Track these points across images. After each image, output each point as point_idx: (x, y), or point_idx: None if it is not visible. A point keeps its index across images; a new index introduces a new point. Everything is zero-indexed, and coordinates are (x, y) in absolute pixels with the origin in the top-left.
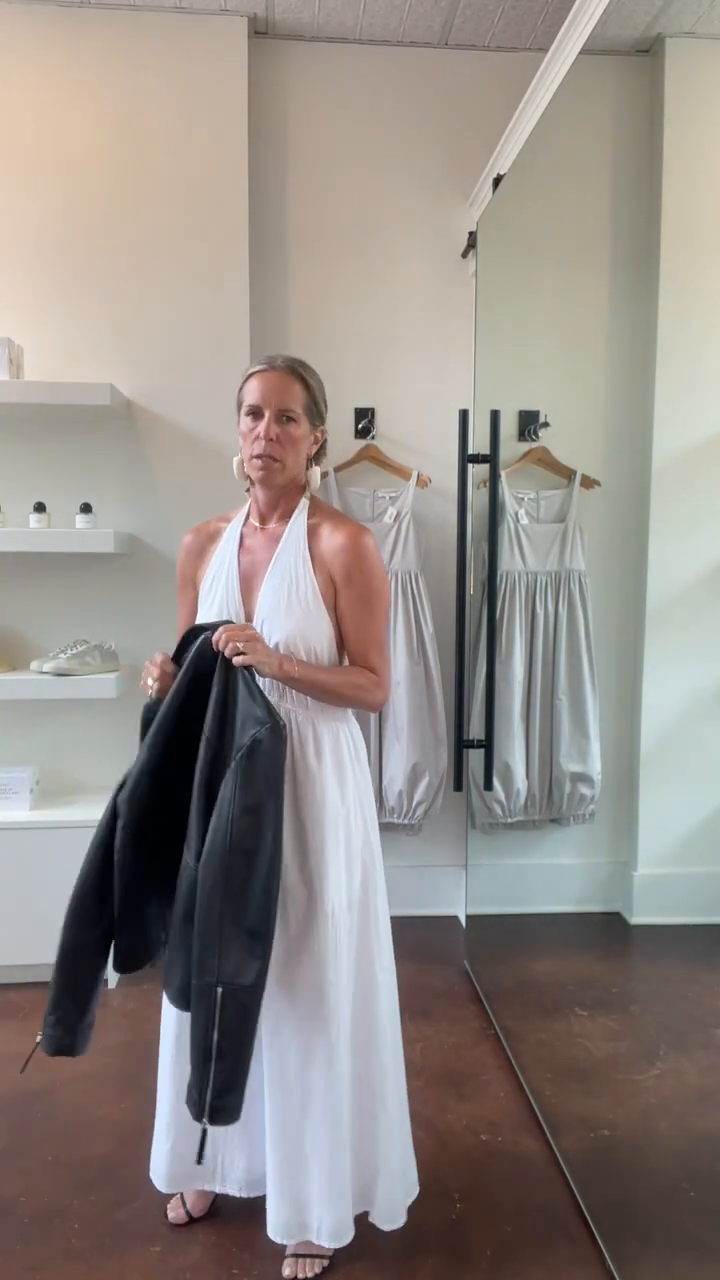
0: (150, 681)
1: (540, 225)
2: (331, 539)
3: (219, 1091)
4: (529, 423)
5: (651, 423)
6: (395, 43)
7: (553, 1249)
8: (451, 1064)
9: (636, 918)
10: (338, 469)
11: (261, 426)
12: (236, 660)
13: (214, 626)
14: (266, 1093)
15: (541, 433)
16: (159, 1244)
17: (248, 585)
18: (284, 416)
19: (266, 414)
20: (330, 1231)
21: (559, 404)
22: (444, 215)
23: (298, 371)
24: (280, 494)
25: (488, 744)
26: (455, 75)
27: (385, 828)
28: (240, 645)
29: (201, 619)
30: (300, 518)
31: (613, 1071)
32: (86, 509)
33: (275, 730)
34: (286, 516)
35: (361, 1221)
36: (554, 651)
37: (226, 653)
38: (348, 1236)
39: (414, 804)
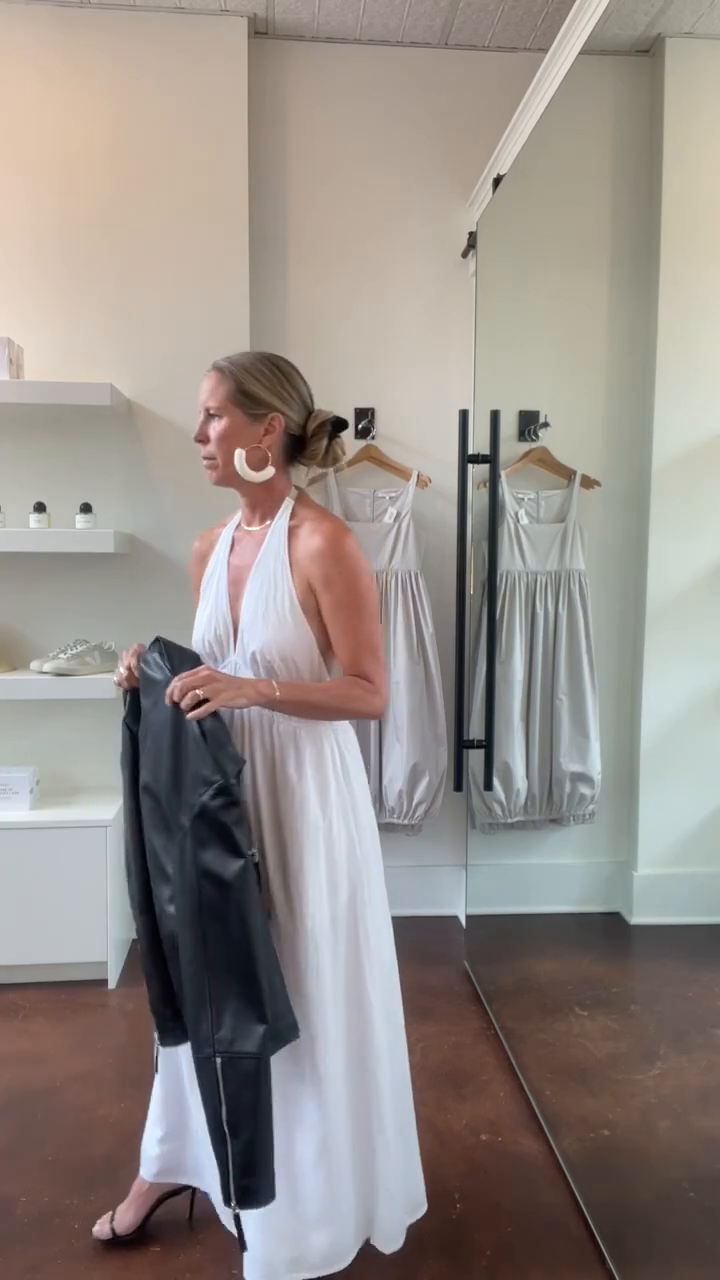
0: (122, 670)
1: (540, 225)
2: (308, 542)
3: (243, 1171)
4: (529, 423)
5: (651, 423)
6: (395, 43)
7: (553, 1249)
8: (451, 1064)
9: (636, 918)
10: (338, 469)
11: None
12: (198, 712)
13: (170, 647)
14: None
15: (541, 433)
16: (159, 1244)
17: (236, 591)
18: (209, 414)
19: (200, 416)
20: (322, 1255)
21: (559, 404)
22: (444, 215)
23: (221, 365)
24: (255, 494)
25: (488, 744)
26: (455, 75)
27: (385, 828)
28: (201, 693)
29: (198, 622)
30: (282, 520)
31: (613, 1071)
32: (86, 509)
33: (224, 791)
34: (269, 517)
35: None
36: (554, 651)
37: (184, 705)
38: (340, 1262)
39: (414, 804)
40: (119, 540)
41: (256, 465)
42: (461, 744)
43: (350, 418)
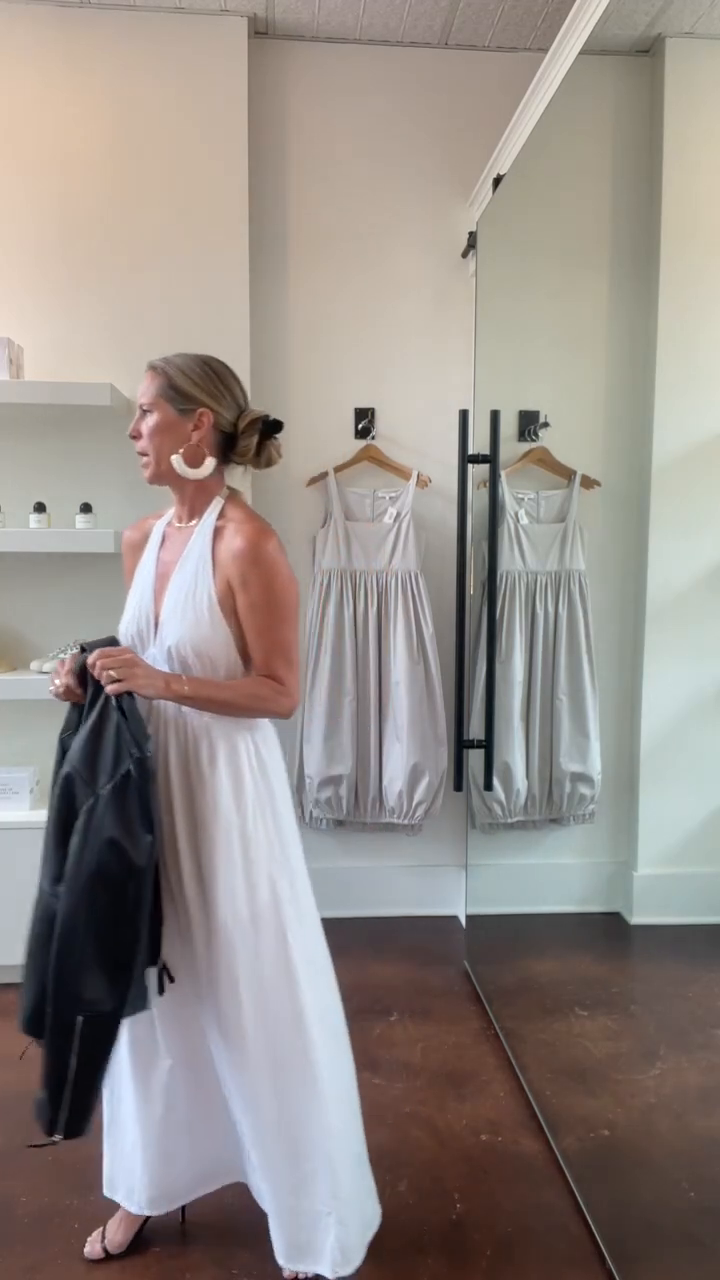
0: (57, 681)
1: (540, 225)
2: (231, 542)
3: (74, 1115)
4: (529, 423)
5: (651, 423)
6: (395, 43)
7: (553, 1249)
8: (451, 1064)
9: (636, 918)
10: (338, 469)
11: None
12: (111, 688)
13: (94, 646)
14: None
15: (541, 433)
16: (159, 1244)
17: (160, 586)
18: (142, 410)
19: (136, 414)
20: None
21: (559, 404)
22: (444, 215)
23: (154, 363)
24: (188, 492)
25: (488, 744)
26: (455, 75)
27: (385, 828)
28: (114, 673)
29: (125, 614)
30: (209, 518)
31: (613, 1071)
32: (86, 509)
33: (143, 764)
34: (199, 515)
35: None
36: (554, 651)
37: (101, 681)
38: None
39: (414, 804)
40: (119, 540)
41: (193, 462)
42: (461, 744)
43: (350, 418)
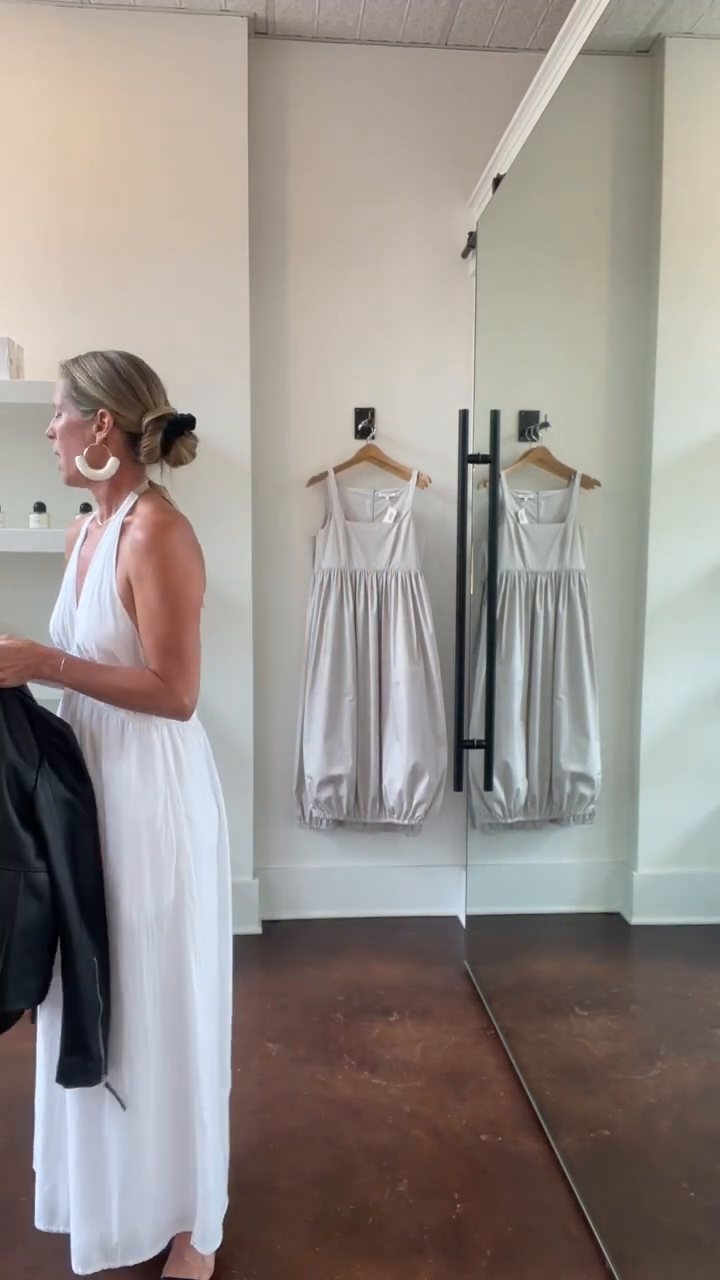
0: None
1: (540, 225)
2: (133, 535)
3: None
4: (529, 423)
5: (651, 423)
6: (395, 43)
7: (553, 1249)
8: (451, 1064)
9: (636, 918)
10: (338, 469)
11: None
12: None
13: None
14: (68, 1108)
15: (541, 433)
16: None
17: (80, 583)
18: (55, 413)
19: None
20: (123, 1249)
21: (559, 404)
22: (444, 215)
23: (62, 363)
24: (101, 491)
25: (488, 744)
26: (455, 75)
27: (385, 828)
28: None
29: (53, 614)
30: (119, 515)
31: (613, 1071)
32: (86, 509)
33: (60, 733)
34: (114, 513)
35: (363, 1222)
36: (554, 651)
37: None
38: (140, 1255)
39: (414, 804)
40: None
41: (96, 463)
42: (461, 744)
43: (350, 418)
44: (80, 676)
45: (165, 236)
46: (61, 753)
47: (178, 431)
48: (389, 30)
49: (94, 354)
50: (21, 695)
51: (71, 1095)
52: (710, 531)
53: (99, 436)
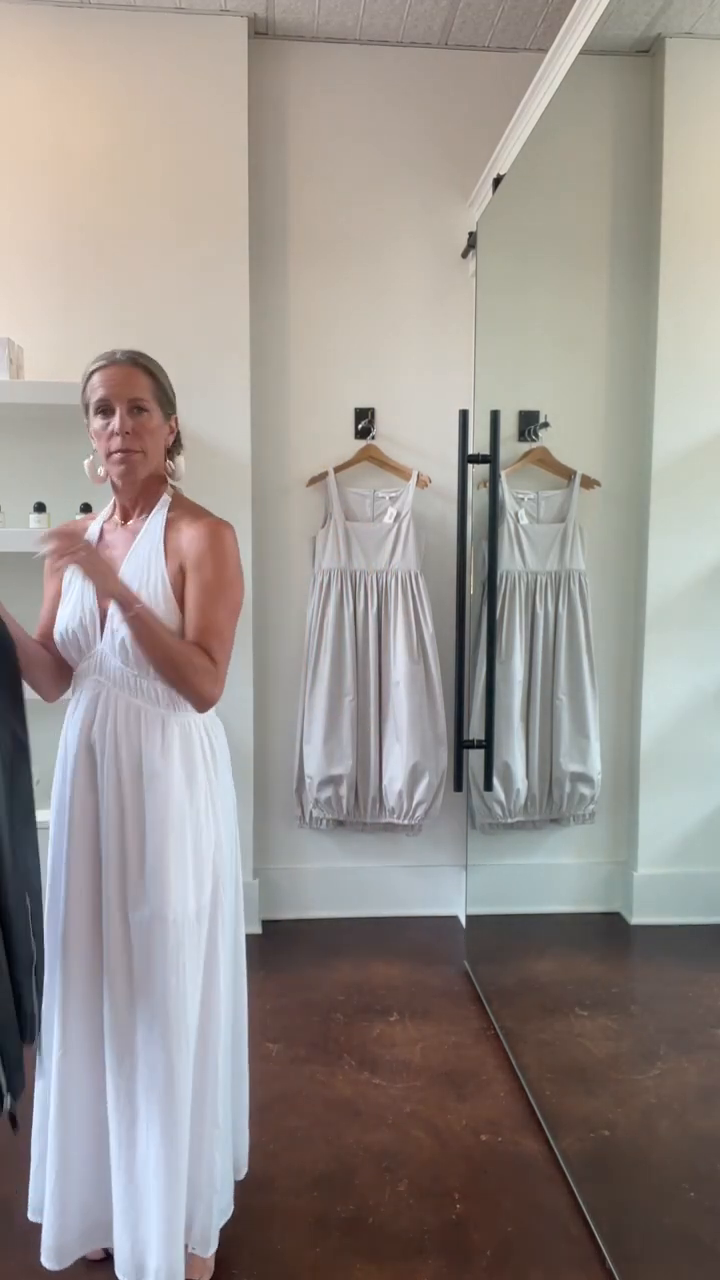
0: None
1: (540, 225)
2: (189, 529)
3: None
4: (529, 423)
5: (651, 423)
6: (395, 43)
7: (553, 1249)
8: (451, 1064)
9: (636, 918)
10: (338, 469)
11: (115, 421)
12: (71, 559)
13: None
14: (110, 1118)
15: (541, 433)
16: None
17: None
18: (135, 408)
19: (118, 409)
20: (166, 1275)
21: (559, 404)
22: (444, 215)
23: (140, 362)
24: (142, 489)
25: (488, 744)
26: (455, 75)
27: (385, 828)
28: (66, 547)
29: (62, 613)
30: (161, 512)
31: (613, 1071)
32: (86, 509)
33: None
34: (147, 511)
35: (363, 1222)
36: (554, 651)
37: (56, 549)
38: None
39: (414, 804)
40: None
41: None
42: (461, 744)
43: (350, 418)
44: (146, 618)
45: (165, 236)
46: (6, 675)
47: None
48: (389, 30)
49: (150, 357)
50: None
51: (114, 1112)
52: (710, 531)
53: (170, 438)
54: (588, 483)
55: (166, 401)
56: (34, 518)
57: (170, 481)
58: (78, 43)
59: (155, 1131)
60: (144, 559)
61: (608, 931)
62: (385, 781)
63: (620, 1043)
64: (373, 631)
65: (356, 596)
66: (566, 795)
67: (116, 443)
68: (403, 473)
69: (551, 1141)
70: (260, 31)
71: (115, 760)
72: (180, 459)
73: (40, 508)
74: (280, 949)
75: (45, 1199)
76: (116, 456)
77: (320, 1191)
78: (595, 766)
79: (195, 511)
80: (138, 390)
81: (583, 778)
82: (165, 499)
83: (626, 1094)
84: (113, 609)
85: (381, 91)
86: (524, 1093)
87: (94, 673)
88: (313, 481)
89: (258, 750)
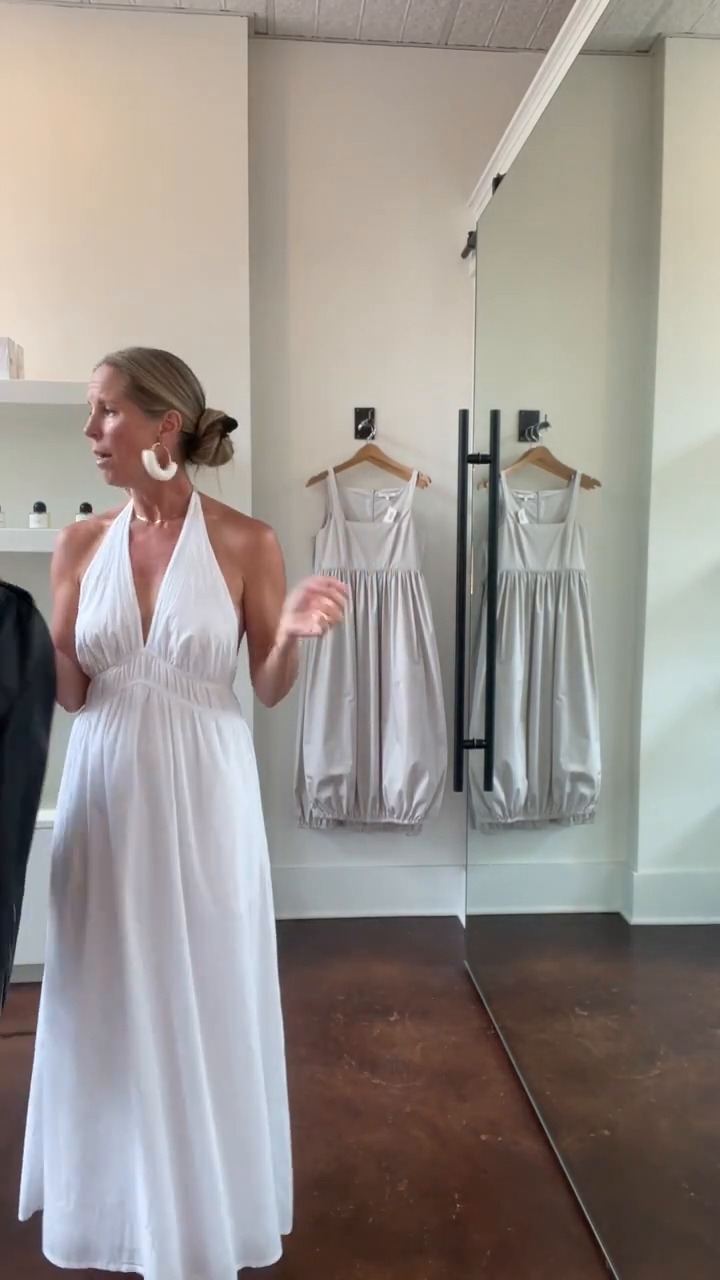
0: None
1: (540, 225)
2: (240, 534)
3: None
4: (529, 423)
5: (651, 423)
6: (395, 43)
7: (553, 1249)
8: (451, 1064)
9: (636, 918)
10: (338, 469)
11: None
12: (323, 625)
13: None
14: (164, 1124)
15: (541, 433)
16: None
17: (144, 581)
18: (103, 410)
19: (92, 411)
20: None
21: (559, 404)
22: (444, 215)
23: (116, 361)
24: (157, 492)
25: (488, 744)
26: (455, 75)
27: (385, 828)
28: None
29: (91, 616)
30: (197, 516)
31: (613, 1071)
32: (86, 509)
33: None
34: (175, 513)
35: (363, 1222)
36: (554, 651)
37: (328, 618)
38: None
39: (414, 804)
40: None
41: (164, 464)
42: (461, 744)
43: (350, 418)
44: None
45: (165, 236)
46: (45, 694)
47: (226, 433)
48: (389, 30)
49: (145, 351)
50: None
51: (164, 1115)
52: (710, 531)
53: (166, 438)
54: (588, 483)
55: (149, 398)
56: (34, 518)
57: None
58: (78, 42)
59: (241, 1124)
60: (195, 563)
61: (608, 931)
62: (385, 781)
63: (620, 1043)
64: (373, 631)
65: (356, 597)
66: (566, 795)
67: (91, 445)
68: (403, 473)
69: (551, 1141)
70: (260, 31)
71: (174, 764)
72: (173, 464)
73: (40, 508)
74: (280, 949)
75: (61, 1190)
76: (96, 460)
77: (320, 1191)
78: (595, 766)
79: (234, 515)
80: (105, 391)
81: (583, 778)
82: (196, 501)
83: (626, 1094)
84: (159, 610)
85: (381, 91)
86: (524, 1093)
87: (136, 676)
88: (313, 481)
89: (258, 750)
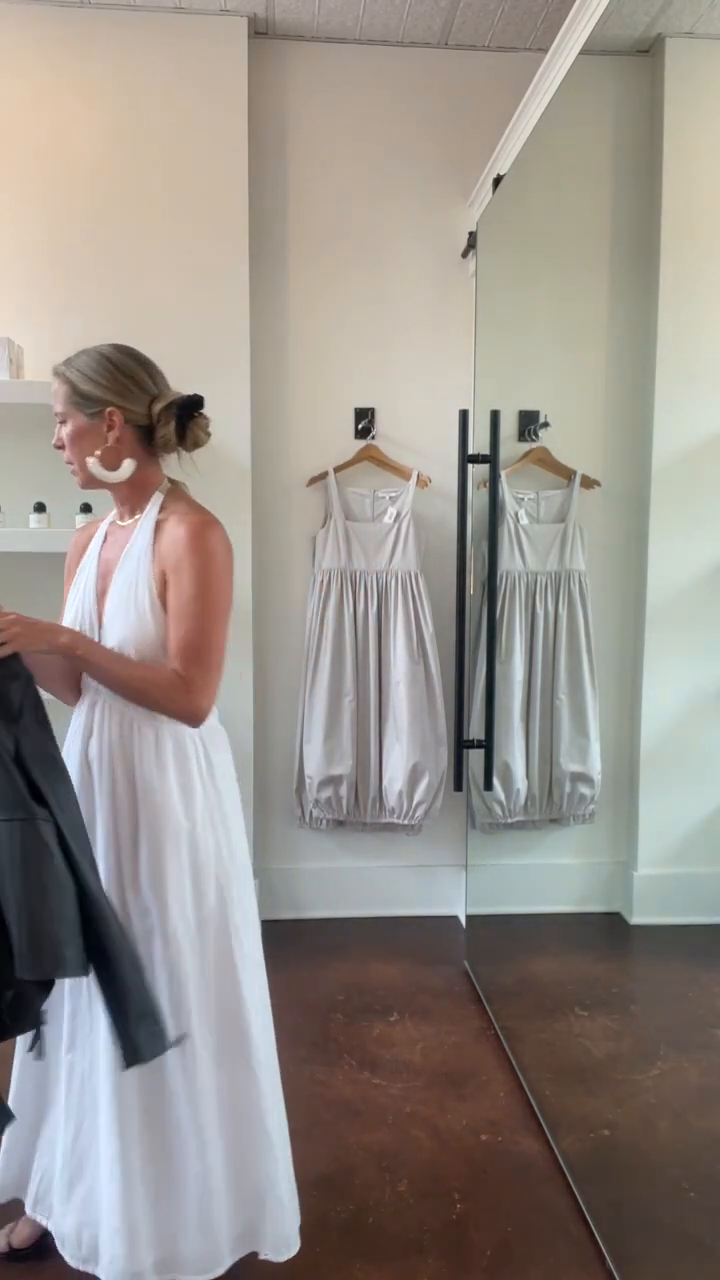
0: None
1: (540, 225)
2: (173, 532)
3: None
4: (529, 423)
5: (651, 423)
6: (395, 43)
7: (553, 1249)
8: (451, 1064)
9: (636, 918)
10: (338, 469)
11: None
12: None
13: None
14: (110, 1125)
15: (541, 433)
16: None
17: (102, 585)
18: (58, 420)
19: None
20: (194, 1261)
21: (559, 404)
22: (444, 215)
23: (57, 369)
24: (122, 491)
25: (488, 744)
26: (455, 75)
27: (385, 828)
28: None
29: (66, 618)
30: (150, 513)
31: (613, 1071)
32: (86, 509)
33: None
34: (139, 512)
35: (363, 1222)
36: (554, 651)
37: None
38: (212, 1270)
39: (414, 804)
40: None
41: (110, 465)
42: (461, 744)
43: (350, 418)
44: (97, 657)
45: (165, 236)
46: (38, 715)
47: (190, 414)
48: (389, 30)
49: (84, 352)
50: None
51: (129, 1112)
52: (710, 531)
53: (111, 437)
54: (588, 483)
55: (86, 401)
56: (34, 518)
57: (172, 479)
58: (78, 42)
59: (175, 1143)
60: (132, 570)
61: (608, 931)
62: (385, 781)
63: (620, 1043)
64: (373, 631)
65: (356, 596)
66: (566, 795)
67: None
68: (403, 473)
69: (551, 1141)
70: (260, 31)
71: (111, 773)
72: (127, 461)
73: (40, 508)
74: (280, 949)
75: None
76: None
77: (320, 1191)
78: (595, 766)
79: (183, 511)
80: (55, 401)
81: (583, 778)
82: (157, 497)
83: (626, 1094)
84: (106, 616)
85: (381, 91)
86: (524, 1093)
87: (92, 682)
88: (313, 481)
89: (258, 750)
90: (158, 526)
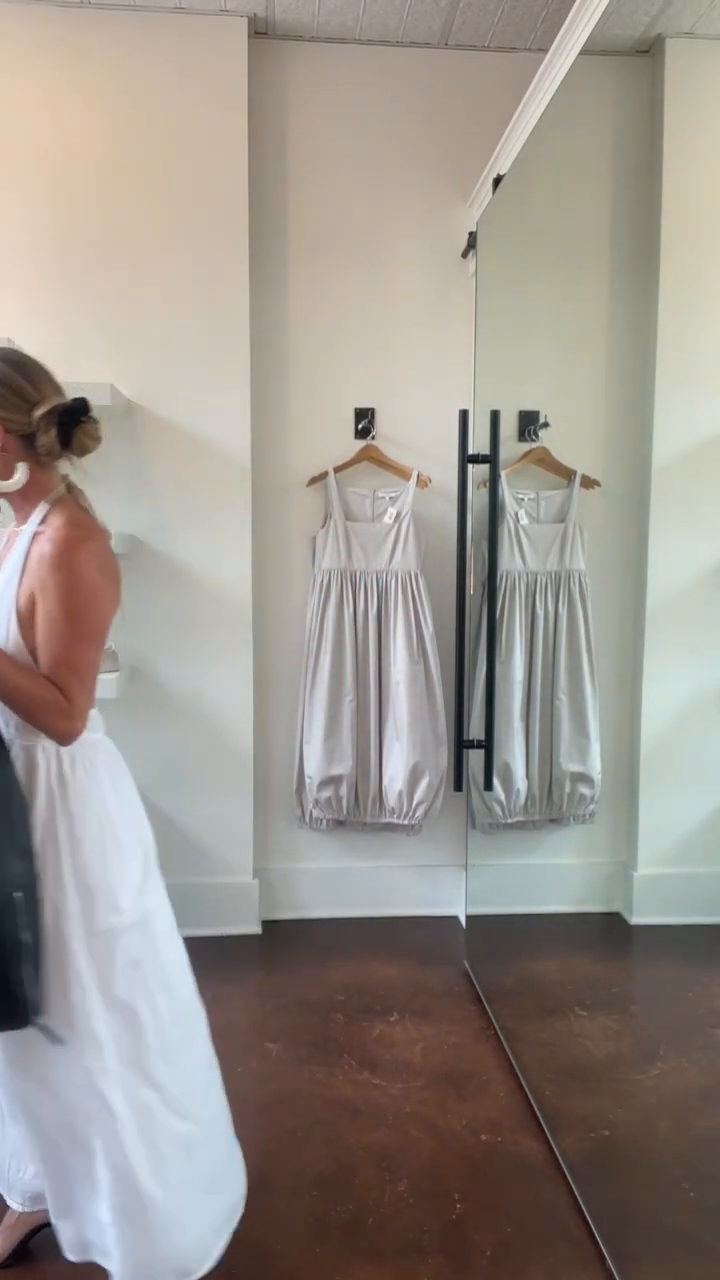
0: None
1: (540, 225)
2: (41, 548)
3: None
4: (529, 423)
5: (651, 423)
6: (395, 43)
7: (553, 1249)
8: (451, 1064)
9: (636, 918)
10: (338, 469)
11: None
12: None
13: None
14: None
15: (541, 433)
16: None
17: None
18: None
19: None
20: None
21: (559, 404)
22: (444, 215)
23: None
24: (12, 501)
25: (488, 744)
26: (455, 75)
27: (385, 828)
28: None
29: None
30: (31, 525)
31: (613, 1071)
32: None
33: None
34: (26, 522)
35: (363, 1222)
36: (554, 651)
37: None
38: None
39: (414, 804)
40: (119, 540)
41: (2, 475)
42: (461, 744)
43: (350, 418)
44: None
45: (165, 236)
46: None
47: (73, 421)
48: (389, 30)
49: None
50: None
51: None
52: (710, 531)
53: (4, 442)
54: (588, 483)
55: None
56: None
57: (71, 485)
58: (78, 42)
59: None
60: (4, 580)
61: (608, 931)
62: (385, 781)
63: (620, 1043)
64: (373, 631)
65: (356, 596)
66: (566, 795)
67: None
68: (403, 473)
69: (551, 1141)
70: (260, 31)
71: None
72: (21, 468)
73: None
74: (280, 949)
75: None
76: None
77: (320, 1191)
78: (595, 766)
79: (58, 525)
80: None
81: (583, 778)
82: (42, 507)
83: (626, 1094)
84: None
85: (381, 91)
86: (524, 1093)
87: None
88: (313, 481)
89: (258, 750)
90: (35, 538)
